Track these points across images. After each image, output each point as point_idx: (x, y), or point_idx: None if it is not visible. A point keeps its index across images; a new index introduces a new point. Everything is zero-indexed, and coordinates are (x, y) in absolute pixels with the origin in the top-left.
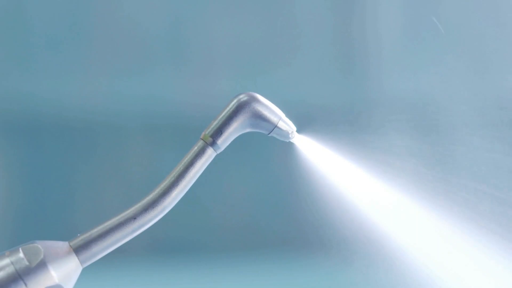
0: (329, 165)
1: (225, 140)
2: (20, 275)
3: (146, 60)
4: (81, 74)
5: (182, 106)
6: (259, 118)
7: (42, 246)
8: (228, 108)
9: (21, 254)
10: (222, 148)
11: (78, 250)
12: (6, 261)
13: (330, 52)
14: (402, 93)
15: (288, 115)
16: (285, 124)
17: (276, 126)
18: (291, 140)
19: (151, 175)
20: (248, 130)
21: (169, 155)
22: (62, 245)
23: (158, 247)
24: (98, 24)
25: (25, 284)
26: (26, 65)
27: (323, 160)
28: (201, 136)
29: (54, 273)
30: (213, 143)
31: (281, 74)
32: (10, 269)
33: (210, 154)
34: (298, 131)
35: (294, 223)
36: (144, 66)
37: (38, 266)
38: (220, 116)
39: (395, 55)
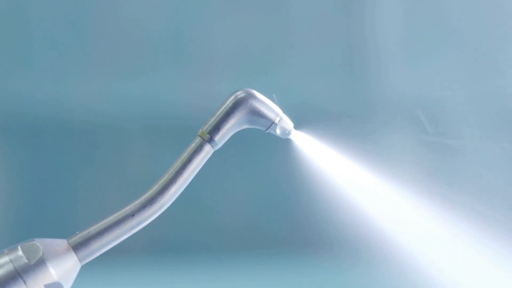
0: (330, 163)
1: (223, 136)
2: (19, 273)
3: (147, 62)
4: (82, 76)
5: (183, 107)
6: (257, 114)
7: (40, 243)
8: (225, 105)
9: (20, 252)
10: (220, 145)
11: (76, 247)
12: (5, 259)
13: (330, 52)
14: (403, 93)
15: (289, 115)
16: (283, 120)
17: (273, 123)
18: (289, 137)
19: (152, 177)
20: (245, 126)
21: (170, 157)
22: (61, 243)
23: (158, 247)
24: (98, 25)
25: (24, 282)
26: (27, 66)
27: (323, 158)
28: (199, 133)
29: (53, 271)
30: (210, 140)
31: (282, 75)
32: (9, 267)
33: (207, 151)
34: (300, 130)
35: (295, 223)
36: (145, 68)
37: (37, 264)
38: (218, 113)
39: (396, 55)
